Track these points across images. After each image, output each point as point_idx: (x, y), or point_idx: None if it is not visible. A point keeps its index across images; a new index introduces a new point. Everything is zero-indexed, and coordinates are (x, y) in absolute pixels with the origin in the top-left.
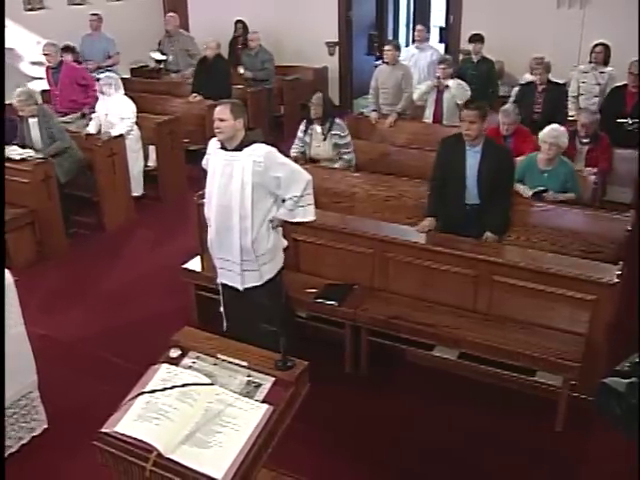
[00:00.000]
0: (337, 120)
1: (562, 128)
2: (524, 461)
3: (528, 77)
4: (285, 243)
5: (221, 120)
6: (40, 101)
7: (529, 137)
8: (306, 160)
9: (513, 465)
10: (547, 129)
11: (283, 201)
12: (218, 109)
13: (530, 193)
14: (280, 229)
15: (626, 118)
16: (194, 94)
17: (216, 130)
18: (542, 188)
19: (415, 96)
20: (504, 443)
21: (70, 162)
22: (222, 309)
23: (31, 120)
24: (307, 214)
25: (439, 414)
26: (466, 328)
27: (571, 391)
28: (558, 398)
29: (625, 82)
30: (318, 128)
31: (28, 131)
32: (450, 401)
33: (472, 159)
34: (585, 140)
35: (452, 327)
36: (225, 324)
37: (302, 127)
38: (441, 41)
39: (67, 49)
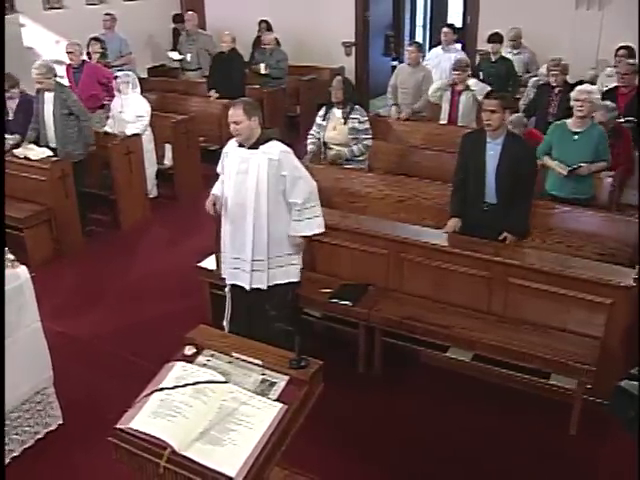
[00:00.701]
0: (357, 106)
1: (594, 86)
2: (537, 464)
3: (544, 71)
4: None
5: (236, 123)
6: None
7: (541, 139)
8: (321, 150)
9: (526, 467)
10: (578, 87)
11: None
12: (231, 112)
13: (565, 172)
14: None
15: (619, 118)
16: (212, 90)
17: (233, 132)
18: (577, 165)
19: (430, 91)
20: (517, 445)
21: (85, 135)
22: (225, 322)
23: (47, 94)
24: (312, 226)
25: (452, 415)
26: (480, 330)
27: (586, 394)
28: (572, 401)
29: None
30: (338, 112)
31: (42, 105)
32: (463, 403)
33: (492, 152)
34: None
35: (466, 329)
36: (227, 329)
37: (321, 112)
38: (457, 41)
39: (95, 40)
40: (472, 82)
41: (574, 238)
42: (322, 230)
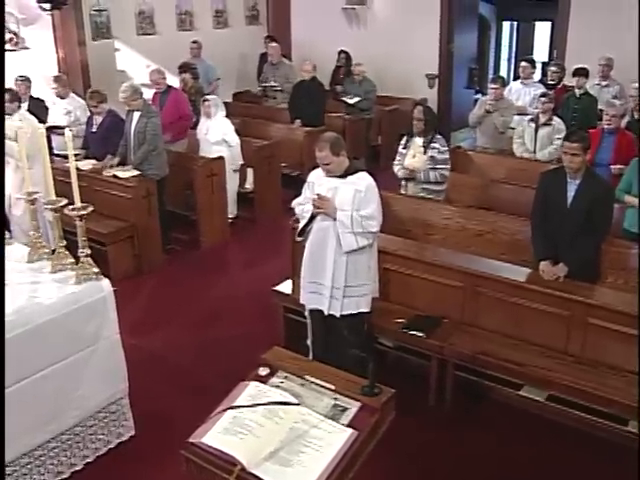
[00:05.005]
0: (438, 135)
1: None
2: None
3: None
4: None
5: (326, 164)
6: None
7: (633, 146)
8: (407, 177)
9: None
10: None
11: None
12: (319, 155)
13: None
14: (375, 270)
15: None
16: (298, 120)
17: (324, 170)
18: None
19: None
20: None
21: (160, 160)
22: (309, 341)
23: (135, 114)
24: (349, 242)
25: (522, 457)
26: (556, 370)
27: None
28: None
29: None
30: (419, 141)
31: (130, 125)
32: (535, 444)
33: (572, 193)
34: None
35: (542, 367)
36: (311, 355)
37: (403, 142)
38: (544, 76)
39: (185, 67)
40: (556, 121)
41: None
42: (347, 249)
